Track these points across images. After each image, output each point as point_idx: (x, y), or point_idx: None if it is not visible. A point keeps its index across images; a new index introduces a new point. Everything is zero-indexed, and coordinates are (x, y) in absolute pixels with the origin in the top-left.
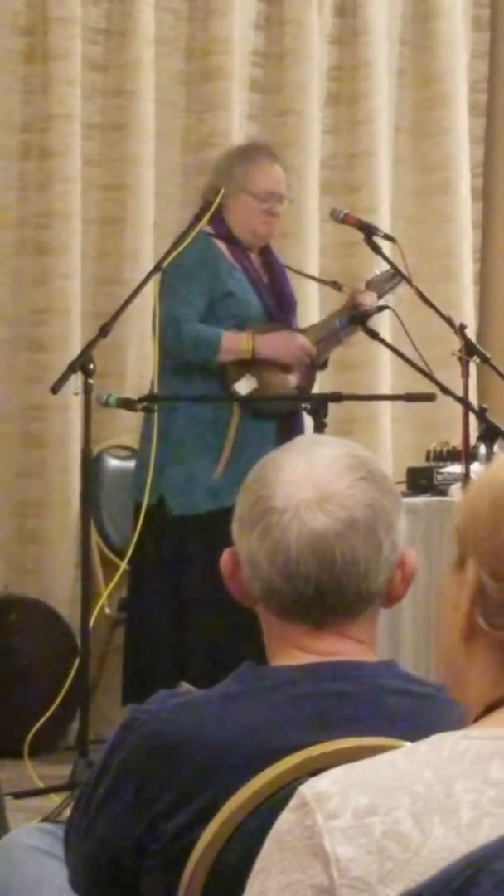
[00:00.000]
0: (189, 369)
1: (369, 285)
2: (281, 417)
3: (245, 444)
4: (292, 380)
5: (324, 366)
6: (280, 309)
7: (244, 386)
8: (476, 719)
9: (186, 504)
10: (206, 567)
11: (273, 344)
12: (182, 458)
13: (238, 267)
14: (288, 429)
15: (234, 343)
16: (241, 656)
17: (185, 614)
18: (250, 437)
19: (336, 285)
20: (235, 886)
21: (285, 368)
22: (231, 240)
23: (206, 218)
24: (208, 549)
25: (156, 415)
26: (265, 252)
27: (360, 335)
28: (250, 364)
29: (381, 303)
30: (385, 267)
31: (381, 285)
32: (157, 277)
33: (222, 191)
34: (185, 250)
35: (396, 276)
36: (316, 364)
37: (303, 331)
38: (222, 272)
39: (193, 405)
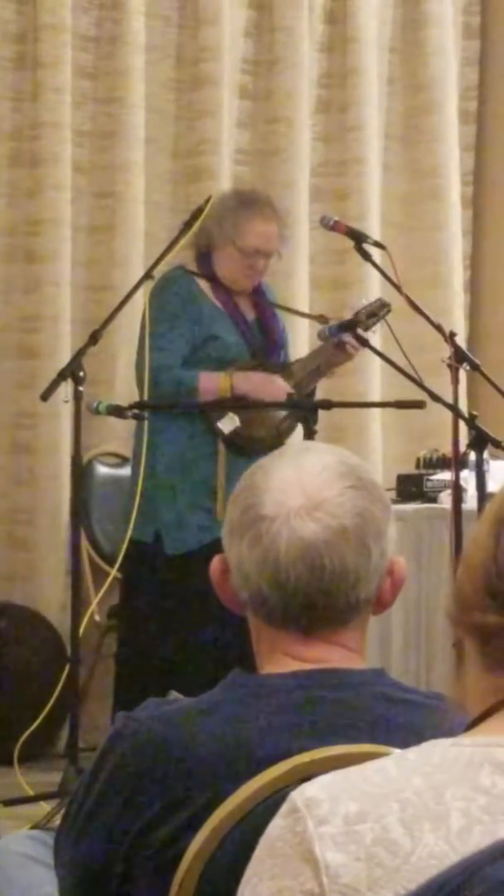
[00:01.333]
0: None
1: (357, 316)
2: (262, 454)
3: (228, 482)
4: (277, 418)
5: (311, 396)
6: (266, 348)
7: (227, 424)
8: (468, 728)
9: (179, 544)
10: (201, 602)
11: (251, 380)
12: (171, 499)
13: (221, 308)
14: None
15: (212, 383)
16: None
17: (180, 650)
18: (233, 474)
19: (322, 318)
20: (226, 893)
21: (269, 409)
22: (216, 280)
23: (197, 224)
24: (203, 584)
25: (144, 431)
26: (256, 290)
27: (347, 361)
28: (234, 404)
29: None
30: (375, 280)
31: (369, 316)
32: (147, 285)
33: (210, 197)
34: (169, 293)
35: (385, 306)
36: (302, 394)
37: (291, 364)
38: (205, 314)
39: (177, 446)
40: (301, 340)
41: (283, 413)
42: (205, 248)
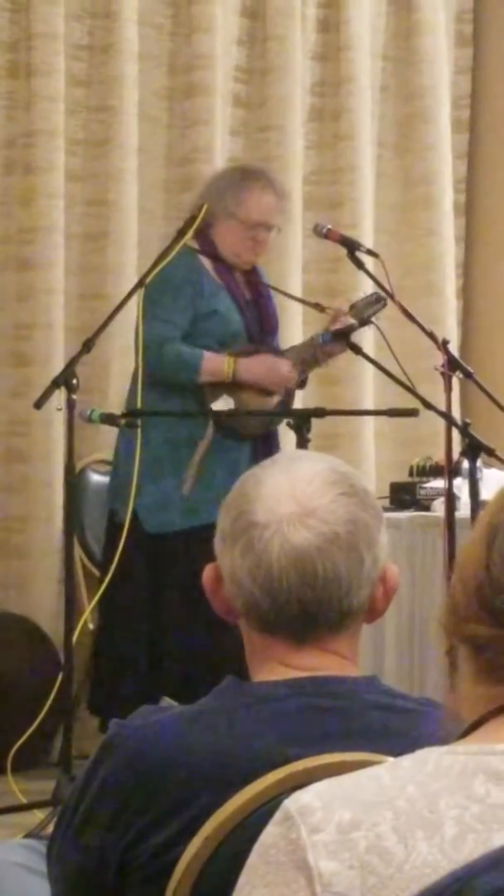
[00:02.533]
0: (167, 386)
1: (353, 309)
2: (256, 438)
3: (218, 464)
4: (272, 401)
5: (302, 385)
6: (261, 330)
7: (221, 407)
8: (462, 736)
9: (161, 522)
10: (183, 584)
11: (255, 369)
12: (157, 476)
13: (222, 285)
14: (265, 449)
15: (216, 365)
16: (219, 674)
17: (160, 631)
18: (223, 456)
19: (319, 307)
20: None
21: (265, 391)
22: (217, 257)
23: (190, 233)
24: (185, 566)
25: (137, 430)
26: (251, 271)
27: (342, 353)
28: (230, 385)
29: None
30: (369, 287)
31: (365, 310)
32: (140, 293)
33: (205, 206)
34: (171, 266)
35: (381, 300)
36: (297, 381)
37: (284, 352)
38: (206, 290)
39: (170, 423)
40: (295, 326)
41: (276, 399)
42: (203, 224)
